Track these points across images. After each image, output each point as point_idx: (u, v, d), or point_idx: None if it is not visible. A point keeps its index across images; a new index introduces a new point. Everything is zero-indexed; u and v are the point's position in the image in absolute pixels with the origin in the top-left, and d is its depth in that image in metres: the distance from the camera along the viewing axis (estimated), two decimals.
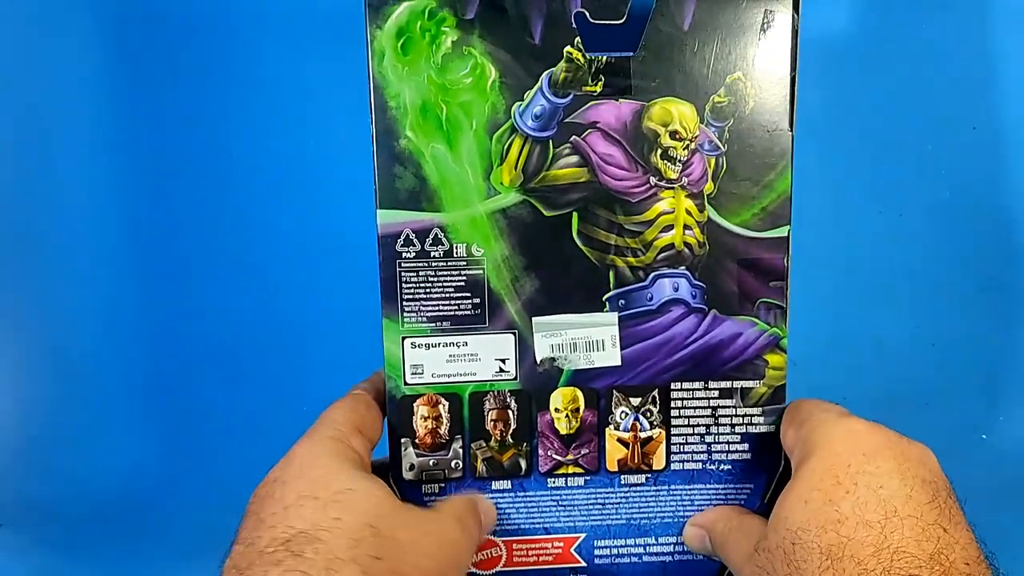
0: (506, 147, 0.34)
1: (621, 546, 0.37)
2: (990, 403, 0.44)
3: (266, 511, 0.30)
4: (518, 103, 0.34)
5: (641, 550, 0.37)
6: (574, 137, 0.34)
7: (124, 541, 0.45)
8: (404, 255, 0.34)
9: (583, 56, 0.33)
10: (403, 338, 0.35)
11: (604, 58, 0.33)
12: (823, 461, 0.29)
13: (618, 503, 0.37)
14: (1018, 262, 0.43)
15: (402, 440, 0.36)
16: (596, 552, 0.37)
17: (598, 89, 0.34)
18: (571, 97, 0.34)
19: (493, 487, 0.37)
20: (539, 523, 0.37)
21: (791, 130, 0.34)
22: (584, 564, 0.37)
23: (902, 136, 0.41)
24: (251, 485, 0.33)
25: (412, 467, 0.36)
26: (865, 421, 0.31)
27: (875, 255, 0.43)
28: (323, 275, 0.43)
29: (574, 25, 0.33)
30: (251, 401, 0.44)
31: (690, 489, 0.37)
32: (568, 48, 0.33)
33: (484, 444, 0.36)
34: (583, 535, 0.37)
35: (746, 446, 0.37)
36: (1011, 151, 0.41)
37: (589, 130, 0.34)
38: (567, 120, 0.34)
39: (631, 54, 0.33)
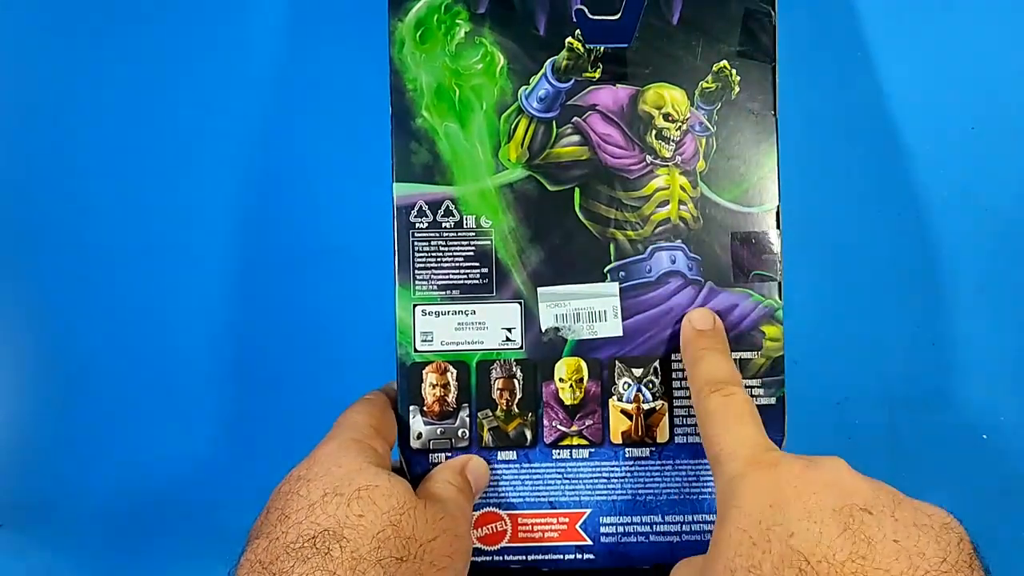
0: (513, 126, 0.37)
1: (627, 523, 0.37)
2: (990, 403, 0.44)
3: (291, 508, 0.31)
4: (524, 87, 0.37)
5: (648, 528, 0.37)
6: (575, 118, 0.37)
7: (125, 542, 0.44)
8: (417, 225, 0.37)
9: (583, 46, 0.37)
10: (414, 305, 0.37)
11: (602, 48, 0.37)
12: (738, 524, 0.29)
13: (623, 477, 0.37)
14: (1018, 262, 0.44)
15: (411, 408, 0.37)
16: (602, 529, 0.37)
17: (597, 75, 0.37)
18: (572, 82, 0.37)
19: (499, 457, 0.37)
20: (544, 497, 0.37)
21: (774, 113, 0.37)
22: (590, 542, 0.37)
23: (899, 136, 0.43)
24: (253, 486, 0.33)
25: (419, 435, 0.37)
26: (769, 459, 0.30)
27: (874, 255, 0.44)
28: (329, 278, 0.44)
29: (575, 19, 0.37)
30: (254, 401, 0.44)
31: (695, 464, 0.37)
32: (569, 39, 0.37)
33: (490, 413, 0.37)
34: (588, 511, 0.37)
35: None
36: (1011, 151, 0.43)
37: (589, 112, 0.37)
38: (569, 103, 0.37)
39: (626, 45, 0.37)
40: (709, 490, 0.37)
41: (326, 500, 0.30)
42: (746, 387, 0.37)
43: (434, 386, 0.37)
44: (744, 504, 0.29)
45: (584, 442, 0.37)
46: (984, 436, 0.44)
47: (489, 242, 0.37)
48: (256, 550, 0.30)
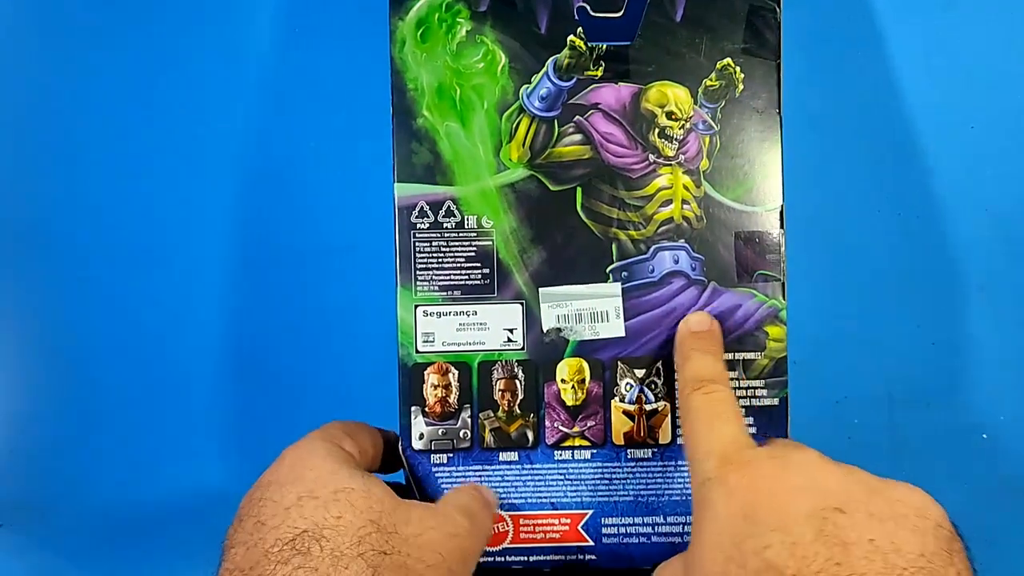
0: (515, 126, 0.37)
1: (629, 524, 0.37)
2: (990, 403, 0.44)
3: (265, 513, 0.30)
4: (526, 86, 0.37)
5: (650, 529, 0.37)
6: (577, 117, 0.37)
7: (124, 542, 0.44)
8: (418, 226, 0.37)
9: (585, 44, 0.37)
10: (416, 306, 0.37)
11: (604, 46, 0.37)
12: (712, 537, 0.28)
13: (625, 478, 0.37)
14: (1018, 262, 0.44)
15: (412, 408, 0.37)
16: (604, 531, 0.37)
17: (599, 73, 0.37)
18: (574, 81, 0.37)
19: (500, 459, 0.37)
20: (546, 498, 0.37)
21: (779, 111, 0.37)
22: (592, 543, 0.37)
23: (901, 135, 0.43)
24: (248, 489, 0.33)
25: (422, 436, 0.37)
26: (742, 459, 0.30)
27: (874, 254, 0.44)
28: (330, 279, 0.44)
29: (576, 17, 0.37)
30: (254, 402, 0.44)
31: None
32: (571, 37, 0.37)
33: (492, 414, 0.37)
34: (590, 512, 0.37)
35: (751, 419, 0.37)
36: (1011, 151, 0.43)
37: (591, 111, 0.37)
38: (571, 102, 0.37)
39: (628, 43, 0.37)
40: None
41: (301, 503, 0.30)
42: (749, 388, 0.37)
43: (436, 387, 0.37)
44: (718, 514, 0.28)
45: (586, 443, 0.37)
46: (984, 435, 0.44)
47: (490, 242, 0.37)
48: (234, 558, 0.29)
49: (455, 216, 0.37)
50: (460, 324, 0.37)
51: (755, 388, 0.37)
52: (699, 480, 0.30)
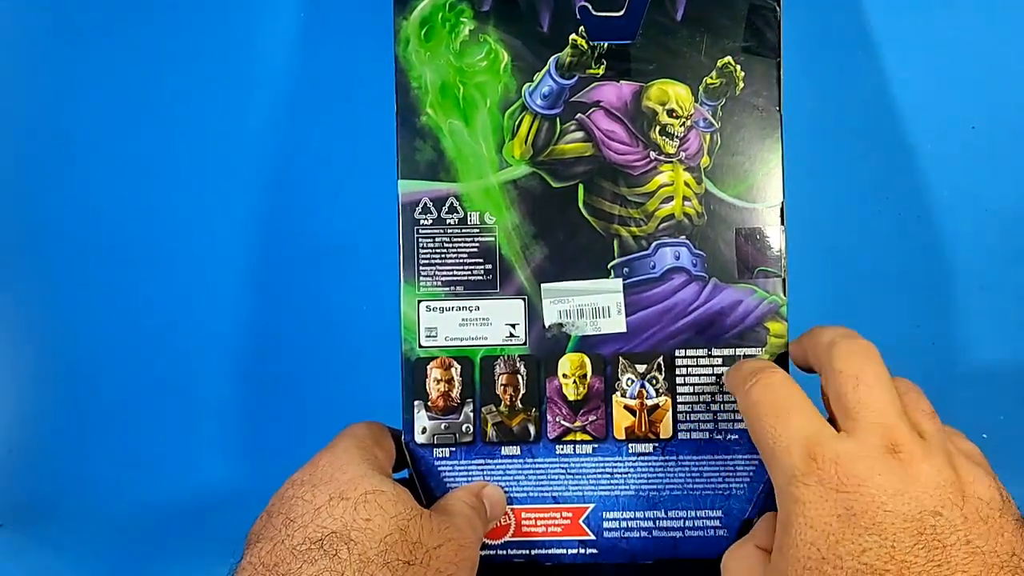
0: (517, 123, 0.37)
1: (630, 519, 0.37)
2: (990, 403, 0.44)
3: (295, 512, 0.31)
4: (528, 84, 0.37)
5: (651, 524, 0.37)
6: (579, 115, 0.37)
7: (125, 542, 0.44)
8: (422, 222, 0.37)
9: (587, 43, 0.37)
10: (419, 301, 0.37)
11: (605, 45, 0.37)
12: (804, 535, 0.28)
13: (626, 473, 0.37)
14: (1018, 262, 0.44)
15: (415, 403, 0.37)
16: (605, 524, 0.37)
17: (600, 72, 0.37)
18: (576, 79, 0.37)
19: (503, 452, 0.37)
20: (548, 492, 0.37)
21: (779, 109, 0.37)
22: (593, 537, 0.37)
23: (901, 134, 0.43)
24: (256, 485, 0.33)
25: (424, 430, 0.37)
26: (829, 455, 0.29)
27: (874, 255, 0.44)
28: (333, 275, 0.44)
29: (578, 16, 0.37)
30: (257, 399, 0.44)
31: (698, 460, 0.37)
32: (573, 36, 0.37)
33: (494, 408, 0.37)
34: (592, 506, 0.37)
35: None
36: (1011, 151, 0.43)
37: (593, 108, 0.37)
38: (573, 99, 0.37)
39: (630, 41, 0.37)
40: (712, 485, 0.38)
41: (332, 504, 0.30)
42: None
43: (438, 381, 0.37)
44: (809, 513, 0.28)
45: (587, 438, 0.37)
46: (984, 436, 0.44)
47: (493, 238, 0.37)
48: (259, 552, 0.29)
49: (458, 212, 0.37)
50: (463, 319, 0.37)
51: None
52: (784, 477, 0.30)
